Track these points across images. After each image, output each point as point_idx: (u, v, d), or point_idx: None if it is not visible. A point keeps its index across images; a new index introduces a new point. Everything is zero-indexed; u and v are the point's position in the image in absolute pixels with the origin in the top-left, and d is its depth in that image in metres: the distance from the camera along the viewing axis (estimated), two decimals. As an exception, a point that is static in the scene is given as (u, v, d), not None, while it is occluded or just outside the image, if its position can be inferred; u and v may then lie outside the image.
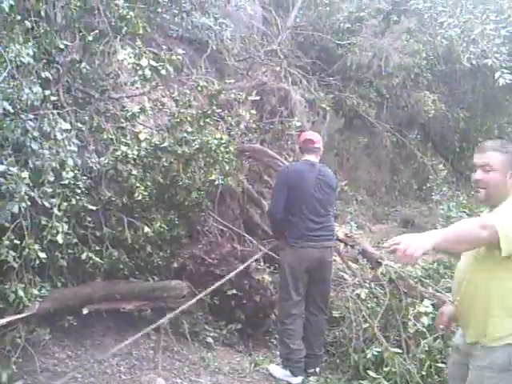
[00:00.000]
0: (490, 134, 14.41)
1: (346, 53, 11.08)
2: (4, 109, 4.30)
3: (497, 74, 9.41)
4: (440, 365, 5.54)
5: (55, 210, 4.81)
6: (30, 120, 4.65)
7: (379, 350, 5.78)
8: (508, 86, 9.59)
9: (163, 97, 6.65)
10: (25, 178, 4.43)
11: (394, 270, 6.43)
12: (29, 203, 4.52)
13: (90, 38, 5.76)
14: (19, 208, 4.41)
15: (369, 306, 6.44)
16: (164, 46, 6.96)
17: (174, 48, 7.07)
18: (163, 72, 5.76)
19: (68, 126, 5.04)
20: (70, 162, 4.89)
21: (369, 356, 5.79)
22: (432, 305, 5.91)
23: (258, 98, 7.92)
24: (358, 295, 6.46)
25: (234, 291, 6.66)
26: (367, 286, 6.62)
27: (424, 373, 5.50)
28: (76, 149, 5.07)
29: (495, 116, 14.36)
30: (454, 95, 13.47)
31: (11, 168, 4.34)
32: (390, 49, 10.88)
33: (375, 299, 6.53)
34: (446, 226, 9.33)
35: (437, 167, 12.22)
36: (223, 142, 6.36)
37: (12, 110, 4.41)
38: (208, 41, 8.83)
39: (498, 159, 3.31)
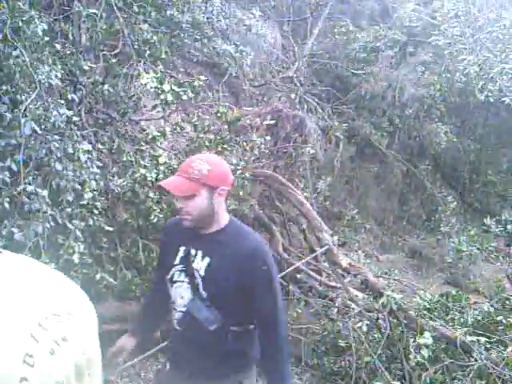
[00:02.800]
0: (500, 167, 14.54)
1: (361, 82, 11.21)
2: (32, 129, 4.34)
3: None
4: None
5: (77, 232, 4.83)
6: (55, 141, 4.69)
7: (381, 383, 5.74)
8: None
9: (182, 121, 6.70)
10: (44, 196, 4.44)
11: (395, 300, 6.37)
12: (52, 224, 4.52)
13: (114, 60, 5.85)
14: (43, 228, 4.43)
15: (372, 337, 6.42)
16: (182, 69, 7.04)
17: (193, 71, 7.14)
18: (185, 97, 5.83)
19: (89, 147, 5.05)
20: (93, 184, 4.91)
21: (372, 389, 5.75)
22: (432, 337, 5.85)
23: (272, 122, 7.99)
24: (360, 327, 6.39)
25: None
26: (369, 316, 6.57)
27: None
28: (98, 171, 5.11)
29: (506, 149, 14.47)
30: (465, 127, 13.57)
31: (37, 189, 4.37)
32: (405, 80, 11.01)
33: (377, 330, 6.50)
34: (456, 260, 9.28)
35: (446, 198, 12.25)
36: (239, 167, 6.40)
37: (40, 131, 4.45)
38: (228, 68, 8.86)
39: None
